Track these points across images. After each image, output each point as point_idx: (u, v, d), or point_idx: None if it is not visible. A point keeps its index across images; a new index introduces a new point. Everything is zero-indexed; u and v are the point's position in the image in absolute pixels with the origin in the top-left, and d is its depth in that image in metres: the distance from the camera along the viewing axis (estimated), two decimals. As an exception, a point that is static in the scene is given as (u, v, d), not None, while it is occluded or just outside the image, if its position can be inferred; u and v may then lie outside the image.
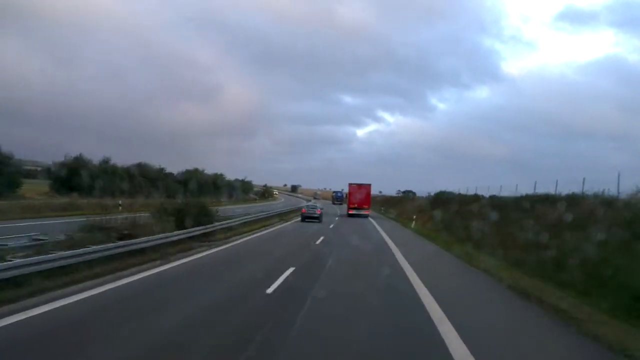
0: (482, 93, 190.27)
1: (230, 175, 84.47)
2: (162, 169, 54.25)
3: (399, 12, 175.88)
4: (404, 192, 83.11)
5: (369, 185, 45.89)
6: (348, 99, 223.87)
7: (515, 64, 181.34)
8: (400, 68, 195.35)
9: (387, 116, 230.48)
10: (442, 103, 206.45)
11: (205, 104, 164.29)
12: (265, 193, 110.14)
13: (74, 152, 41.26)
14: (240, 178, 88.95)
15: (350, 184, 46.21)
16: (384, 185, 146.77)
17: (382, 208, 61.45)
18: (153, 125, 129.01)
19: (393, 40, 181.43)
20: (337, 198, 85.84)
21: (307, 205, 40.53)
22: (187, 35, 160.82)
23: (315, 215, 34.26)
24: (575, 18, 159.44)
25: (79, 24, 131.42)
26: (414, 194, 73.63)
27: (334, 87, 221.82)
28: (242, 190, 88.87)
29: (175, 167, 66.21)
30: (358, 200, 44.54)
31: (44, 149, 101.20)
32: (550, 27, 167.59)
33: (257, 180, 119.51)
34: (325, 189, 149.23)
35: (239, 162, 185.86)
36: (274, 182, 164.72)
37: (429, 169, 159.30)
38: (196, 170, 61.88)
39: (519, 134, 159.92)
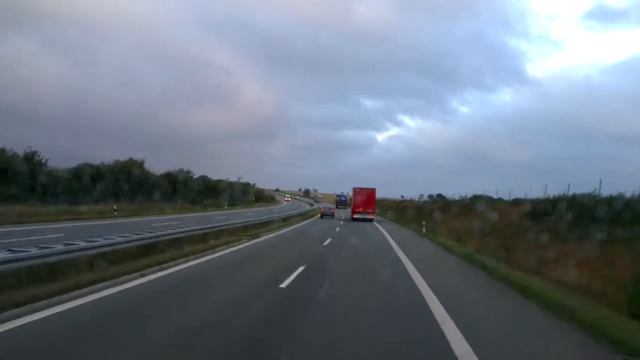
0: (505, 96, 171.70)
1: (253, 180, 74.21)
2: (31, 158, 33.00)
3: (420, 13, 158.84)
4: (429, 197, 65.90)
5: (374, 189, 45.48)
6: (368, 102, 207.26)
7: (540, 65, 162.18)
8: (421, 70, 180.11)
9: (408, 120, 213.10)
10: (465, 106, 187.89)
11: (222, 106, 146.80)
12: (253, 197, 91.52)
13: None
14: (235, 180, 71.59)
15: (354, 188, 45.77)
16: (405, 190, 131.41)
17: (424, 223, 31.43)
18: (166, 127, 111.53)
19: (413, 41, 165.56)
20: (340, 202, 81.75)
21: (325, 207, 54.94)
22: (202, 36, 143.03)
23: (330, 214, 48.59)
24: (604, 16, 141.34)
25: (84, 23, 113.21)
26: (444, 197, 56.36)
27: (354, 90, 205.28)
28: (242, 193, 75.13)
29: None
30: (363, 204, 44.11)
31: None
32: (578, 26, 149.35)
33: (273, 184, 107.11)
34: (330, 193, 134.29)
35: (258, 166, 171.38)
36: (291, 186, 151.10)
37: (451, 173, 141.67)
38: (128, 162, 42.06)
39: (543, 137, 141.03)
